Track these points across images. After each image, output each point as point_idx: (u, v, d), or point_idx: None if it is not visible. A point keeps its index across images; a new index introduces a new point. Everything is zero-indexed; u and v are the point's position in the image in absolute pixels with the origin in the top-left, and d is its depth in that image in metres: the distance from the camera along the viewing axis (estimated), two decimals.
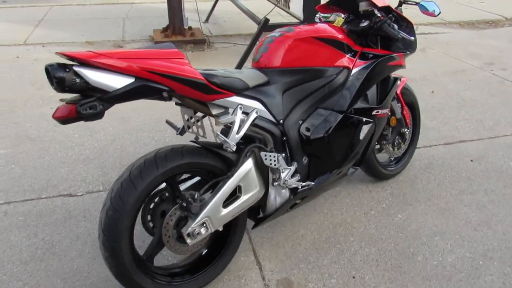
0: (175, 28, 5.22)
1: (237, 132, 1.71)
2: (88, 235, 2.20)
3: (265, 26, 4.19)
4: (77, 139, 3.11)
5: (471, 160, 2.92)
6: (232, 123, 1.70)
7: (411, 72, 4.55)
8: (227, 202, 1.77)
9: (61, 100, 1.48)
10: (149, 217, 1.76)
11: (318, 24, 2.06)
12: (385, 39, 2.18)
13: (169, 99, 1.60)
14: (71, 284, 1.91)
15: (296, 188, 1.98)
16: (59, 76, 1.34)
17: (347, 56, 2.02)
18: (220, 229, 1.82)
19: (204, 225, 1.71)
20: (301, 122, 1.94)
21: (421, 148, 3.05)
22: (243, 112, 1.74)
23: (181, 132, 1.92)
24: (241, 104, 1.73)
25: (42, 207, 2.41)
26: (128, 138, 3.12)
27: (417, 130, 2.76)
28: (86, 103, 1.40)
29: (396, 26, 2.14)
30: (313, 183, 2.00)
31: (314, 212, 2.40)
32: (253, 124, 1.78)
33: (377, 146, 2.53)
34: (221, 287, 1.92)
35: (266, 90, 1.84)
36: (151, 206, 1.77)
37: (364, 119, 2.08)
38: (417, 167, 2.84)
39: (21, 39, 5.39)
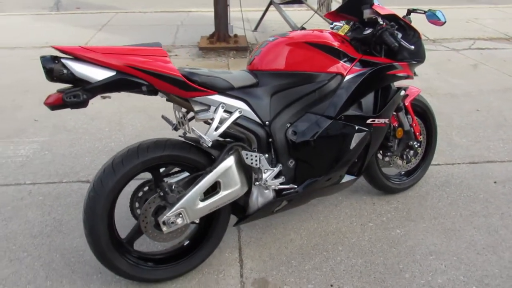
0: (220, 35, 5.42)
1: (216, 129, 1.78)
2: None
3: None
4: (106, 133, 3.35)
5: (495, 182, 2.73)
6: (212, 120, 1.77)
7: (455, 87, 4.36)
8: (207, 196, 1.85)
9: (58, 90, 1.65)
10: (136, 204, 1.89)
11: (315, 30, 2.08)
12: (389, 47, 2.14)
13: (154, 93, 1.72)
14: (66, 260, 2.08)
15: (281, 191, 2.00)
16: (49, 67, 1.51)
17: (342, 62, 2.01)
18: (197, 221, 1.90)
19: (180, 215, 1.80)
20: (288, 125, 1.96)
21: (441, 165, 2.92)
22: (226, 111, 1.81)
23: (176, 128, 2.03)
24: (223, 103, 1.80)
25: (61, 190, 2.64)
26: (152, 134, 3.31)
27: (432, 145, 2.65)
28: (71, 92, 1.55)
29: (400, 35, 2.10)
30: (298, 187, 2.01)
31: (310, 218, 2.40)
32: (235, 123, 1.84)
33: (386, 158, 2.47)
34: (199, 279, 1.98)
35: (253, 91, 1.90)
36: (140, 194, 1.90)
37: (357, 127, 2.05)
38: (431, 183, 2.72)
39: (82, 42, 5.88)
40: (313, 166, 2.02)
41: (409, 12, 2.29)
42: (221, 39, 5.42)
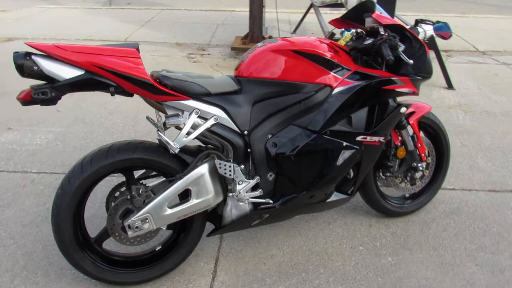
0: (254, 36, 5.37)
1: (186, 136, 1.72)
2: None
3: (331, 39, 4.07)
4: (120, 128, 3.41)
5: None
6: (180, 126, 1.72)
7: (494, 105, 4.02)
8: (177, 203, 1.80)
9: (30, 86, 1.67)
10: (112, 204, 1.88)
11: (307, 37, 1.95)
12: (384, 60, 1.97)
13: (129, 95, 1.69)
14: (47, 252, 2.11)
15: (258, 204, 1.91)
16: (20, 63, 1.53)
17: (332, 73, 1.88)
18: (164, 228, 1.85)
19: (146, 220, 1.76)
20: (270, 136, 1.86)
21: (456, 190, 2.68)
22: (201, 118, 1.75)
23: (159, 130, 1.99)
24: (197, 109, 1.74)
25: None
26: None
27: (442, 168, 2.43)
28: (39, 89, 1.56)
29: (402, 47, 1.93)
30: (276, 202, 1.91)
31: (298, 234, 2.28)
32: (209, 131, 1.77)
33: (385, 178, 2.30)
34: (167, 286, 1.94)
35: (232, 98, 1.82)
36: (116, 194, 1.88)
37: (345, 143, 1.91)
38: (440, 209, 2.49)
39: (123, 36, 6.07)
40: (293, 182, 1.90)
41: (417, 23, 2.11)
42: (254, 40, 5.37)
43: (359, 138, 1.94)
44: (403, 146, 2.21)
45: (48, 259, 2.07)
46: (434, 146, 2.39)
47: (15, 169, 2.81)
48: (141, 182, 1.90)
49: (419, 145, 2.24)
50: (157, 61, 5.01)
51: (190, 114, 1.73)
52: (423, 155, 2.26)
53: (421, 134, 2.35)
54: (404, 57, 1.86)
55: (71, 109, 3.70)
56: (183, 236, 1.94)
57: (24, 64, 1.53)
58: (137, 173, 1.94)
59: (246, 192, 1.86)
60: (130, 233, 1.76)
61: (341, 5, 6.10)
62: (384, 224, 2.36)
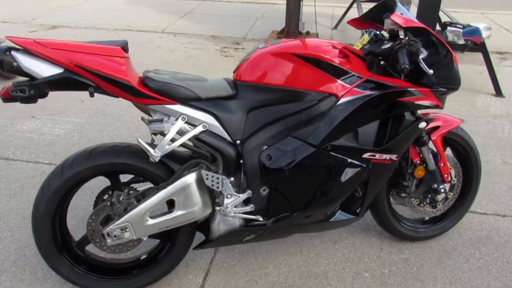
0: (290, 31, 5.16)
1: (170, 143, 1.59)
2: (84, 208, 2.36)
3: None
4: (137, 122, 3.35)
5: None
6: (164, 133, 1.59)
7: None
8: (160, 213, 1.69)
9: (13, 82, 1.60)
10: None
11: (314, 39, 1.75)
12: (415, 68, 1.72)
13: (114, 95, 1.59)
14: None
15: (250, 220, 1.75)
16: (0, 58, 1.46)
17: (339, 81, 1.67)
18: (145, 238, 1.74)
19: (126, 230, 1.66)
20: (265, 147, 1.69)
21: (488, 215, 2.38)
22: (189, 124, 1.62)
23: None
24: (184, 115, 1.60)
25: None
26: None
27: (470, 191, 2.15)
28: (18, 86, 1.48)
29: (424, 54, 1.68)
30: (268, 220, 1.75)
31: (299, 252, 2.10)
32: (197, 139, 1.63)
33: (400, 199, 2.06)
34: None
35: (226, 104, 1.67)
36: (105, 197, 1.80)
37: (349, 160, 1.70)
38: (465, 236, 2.22)
39: (161, 27, 6.05)
40: (287, 199, 1.73)
41: (445, 26, 1.85)
42: (290, 35, 5.16)
43: (366, 155, 1.72)
44: (423, 165, 1.96)
45: (38, 256, 1.99)
46: (462, 166, 2.12)
47: (28, 159, 2.83)
48: (131, 186, 1.80)
49: (442, 164, 1.98)
50: (189, 54, 4.94)
51: (176, 120, 1.60)
52: (446, 176, 2.00)
53: (447, 152, 2.08)
54: (423, 65, 1.62)
55: (94, 100, 3.68)
56: (169, 246, 1.83)
57: (3, 60, 1.46)
58: (128, 177, 1.85)
59: (235, 207, 1.71)
60: (109, 241, 1.67)
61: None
62: (397, 249, 2.13)
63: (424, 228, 2.14)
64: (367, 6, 5.80)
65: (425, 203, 2.06)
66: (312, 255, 2.08)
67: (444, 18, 4.60)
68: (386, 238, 2.19)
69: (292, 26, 5.15)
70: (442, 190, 2.01)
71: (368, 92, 1.67)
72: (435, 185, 1.99)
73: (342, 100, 1.67)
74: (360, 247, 2.14)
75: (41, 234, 1.67)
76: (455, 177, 2.10)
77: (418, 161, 1.96)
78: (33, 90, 1.49)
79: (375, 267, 2.02)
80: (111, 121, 3.37)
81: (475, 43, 1.83)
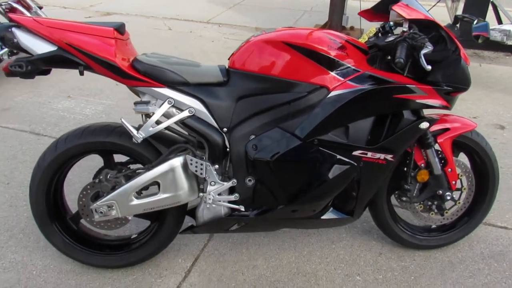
0: (332, 25, 5.02)
1: (154, 126, 1.61)
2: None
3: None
4: None
5: None
6: (149, 115, 1.61)
7: None
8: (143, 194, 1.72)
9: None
10: None
11: (310, 28, 1.67)
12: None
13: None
14: None
15: (234, 210, 1.74)
16: (1, 35, 1.55)
17: (332, 73, 1.59)
18: (130, 218, 1.78)
19: (113, 207, 1.70)
20: (252, 137, 1.66)
21: (508, 230, 2.18)
22: (176, 108, 1.63)
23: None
24: (171, 98, 1.61)
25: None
26: None
27: (484, 202, 1.98)
28: (17, 62, 1.57)
29: (429, 48, 1.55)
30: (250, 212, 1.72)
31: (292, 248, 2.05)
32: (183, 123, 1.64)
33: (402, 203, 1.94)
34: (137, 276, 1.88)
35: (215, 90, 1.65)
36: (101, 177, 1.86)
37: (338, 157, 1.63)
38: (477, 250, 2.05)
39: (207, 17, 6.15)
40: (271, 191, 1.69)
41: (457, 20, 1.69)
42: (332, 29, 5.01)
43: (356, 152, 1.63)
44: (428, 169, 1.83)
45: None
46: (476, 173, 1.95)
47: (56, 135, 2.99)
48: (128, 167, 1.85)
49: (450, 170, 1.84)
50: (228, 44, 4.97)
51: (162, 103, 1.61)
52: (453, 182, 1.85)
53: (459, 157, 1.93)
54: (422, 61, 1.50)
55: None
56: (156, 228, 1.86)
57: (5, 36, 1.55)
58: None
59: (219, 194, 1.70)
60: (96, 217, 1.73)
61: None
62: (397, 256, 2.01)
63: (427, 237, 2.01)
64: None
65: (430, 210, 1.92)
66: (305, 253, 2.03)
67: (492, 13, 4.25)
68: (388, 243, 2.07)
69: (335, 20, 5.02)
70: (448, 198, 1.86)
71: (362, 86, 1.58)
72: (440, 191, 1.85)
73: (332, 93, 1.59)
74: (358, 250, 2.05)
75: (36, 204, 1.77)
76: (466, 185, 1.94)
77: (422, 164, 1.83)
78: (30, 66, 1.56)
79: (370, 271, 1.93)
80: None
81: (485, 38, 1.66)
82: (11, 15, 1.56)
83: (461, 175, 1.91)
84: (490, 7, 4.87)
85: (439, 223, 2.00)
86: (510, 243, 2.10)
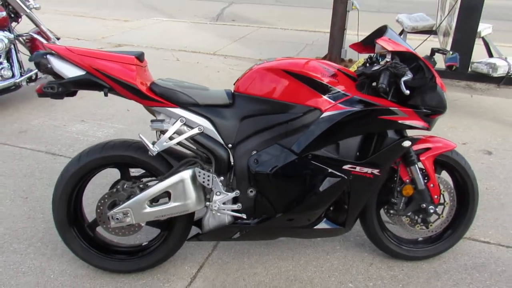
0: (331, 57, 5.32)
1: (167, 141, 1.83)
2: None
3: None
4: None
5: None
6: (164, 131, 1.83)
7: None
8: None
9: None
10: None
11: (307, 58, 1.91)
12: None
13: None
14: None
15: (237, 218, 1.93)
16: (38, 60, 1.80)
17: (324, 97, 1.82)
18: (143, 224, 1.97)
19: (128, 214, 1.90)
20: (254, 152, 1.87)
21: (491, 244, 2.34)
22: (187, 126, 1.85)
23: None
24: (183, 117, 1.84)
25: (102, 172, 3.01)
26: None
27: (466, 216, 2.15)
28: (49, 84, 1.81)
29: (409, 76, 1.78)
30: (252, 220, 1.91)
31: (290, 258, 2.22)
32: (193, 139, 1.85)
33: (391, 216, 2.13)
34: (147, 281, 2.05)
35: (222, 111, 1.88)
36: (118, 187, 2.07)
37: (330, 170, 1.83)
38: (460, 262, 2.21)
39: (214, 49, 6.48)
40: (270, 202, 1.88)
41: (433, 52, 1.93)
42: (332, 61, 5.31)
43: (346, 166, 1.84)
44: (412, 184, 2.03)
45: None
46: (458, 190, 2.14)
47: (71, 155, 3.21)
48: (141, 180, 2.05)
49: (432, 185, 2.03)
50: (233, 74, 5.25)
51: (175, 121, 1.83)
52: (435, 197, 2.04)
53: (442, 175, 2.13)
54: (402, 86, 1.73)
55: (138, 109, 4.06)
56: (165, 236, 2.04)
57: (40, 62, 1.79)
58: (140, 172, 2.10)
59: (223, 203, 1.89)
60: (112, 223, 1.92)
61: (434, 32, 5.74)
62: (387, 266, 2.18)
63: (415, 248, 2.17)
64: (412, 37, 5.85)
65: (416, 223, 2.10)
66: (302, 262, 2.19)
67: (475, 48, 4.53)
68: (379, 255, 2.24)
69: (334, 53, 5.32)
70: (431, 211, 2.05)
71: (351, 108, 1.81)
72: (424, 205, 2.04)
73: (325, 114, 1.81)
74: (351, 260, 2.21)
75: (58, 212, 1.96)
76: (449, 200, 2.12)
77: (407, 180, 2.03)
78: (61, 87, 1.80)
79: (361, 279, 2.09)
80: (150, 129, 3.70)
81: (454, 67, 1.89)
82: (46, 44, 1.82)
83: (444, 191, 2.10)
84: (481, 42, 5.21)
85: (425, 235, 2.17)
86: (492, 256, 2.26)
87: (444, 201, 2.12)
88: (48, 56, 1.78)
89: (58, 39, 4.55)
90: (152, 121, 1.86)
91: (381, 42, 1.82)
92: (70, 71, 1.78)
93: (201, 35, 7.51)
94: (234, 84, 1.99)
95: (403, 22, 5.57)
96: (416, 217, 2.10)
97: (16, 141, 3.43)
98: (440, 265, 2.18)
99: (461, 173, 2.09)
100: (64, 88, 1.80)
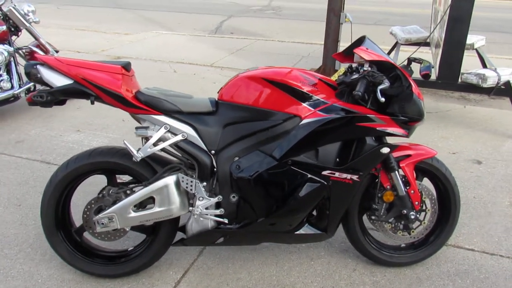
0: (326, 69, 5.39)
1: (151, 147, 1.88)
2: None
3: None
4: None
5: None
6: (148, 138, 1.89)
7: None
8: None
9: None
10: None
11: (288, 68, 1.97)
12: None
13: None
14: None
15: (219, 223, 1.97)
16: (28, 70, 1.86)
17: (304, 104, 1.88)
18: (128, 229, 2.01)
19: (113, 219, 1.94)
20: (236, 158, 1.92)
21: (475, 251, 2.37)
22: (171, 133, 1.90)
23: None
24: (167, 124, 1.89)
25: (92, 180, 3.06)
26: None
27: (448, 223, 2.19)
28: (39, 93, 1.87)
29: (386, 84, 1.83)
30: (234, 225, 1.95)
31: (274, 264, 2.25)
32: (177, 146, 1.91)
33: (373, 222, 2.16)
34: (132, 285, 2.09)
35: (205, 118, 1.93)
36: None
37: (309, 176, 1.88)
38: (443, 268, 2.23)
39: (210, 61, 6.58)
40: (252, 207, 1.93)
41: (410, 61, 1.99)
42: (326, 73, 5.39)
43: (325, 172, 1.89)
44: (392, 191, 2.07)
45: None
46: (439, 196, 2.18)
47: None
48: (129, 186, 2.09)
49: (412, 191, 2.07)
50: None
51: (160, 128, 1.89)
52: (416, 203, 2.08)
53: (423, 182, 2.17)
54: (378, 94, 1.78)
55: (133, 120, 4.14)
56: (150, 241, 2.08)
57: (31, 72, 1.85)
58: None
59: (206, 208, 1.94)
60: (98, 228, 1.96)
61: (427, 44, 5.82)
62: (370, 271, 2.20)
63: (397, 254, 2.20)
64: (406, 49, 5.93)
65: (398, 229, 2.14)
66: (286, 268, 2.22)
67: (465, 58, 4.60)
68: (362, 261, 2.27)
69: (328, 64, 5.40)
70: (412, 217, 2.08)
71: (329, 116, 1.86)
72: (405, 211, 2.07)
73: (304, 121, 1.87)
74: (334, 266, 2.24)
75: (46, 217, 2.01)
76: (430, 206, 2.16)
77: (388, 186, 2.07)
78: (50, 96, 1.86)
79: (343, 285, 2.11)
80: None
81: (427, 75, 1.95)
82: (36, 55, 1.90)
83: (425, 198, 2.14)
84: (473, 53, 5.28)
85: (407, 241, 2.20)
86: (475, 263, 2.28)
87: (426, 207, 2.15)
88: (38, 66, 1.85)
89: (56, 51, 4.66)
90: (136, 128, 1.92)
91: (358, 52, 1.88)
92: (58, 81, 1.85)
93: (199, 47, 7.62)
94: (218, 92, 2.05)
95: (397, 34, 5.65)
96: (398, 223, 2.13)
97: (13, 151, 3.50)
98: (423, 272, 2.21)
99: (442, 180, 2.13)
100: (53, 97, 1.87)
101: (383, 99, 1.77)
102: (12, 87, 4.00)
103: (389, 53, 6.23)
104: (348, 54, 2.13)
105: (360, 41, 2.01)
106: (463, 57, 3.95)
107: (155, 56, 6.85)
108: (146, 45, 7.72)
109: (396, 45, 6.04)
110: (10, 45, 4.10)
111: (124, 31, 9.06)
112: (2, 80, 3.92)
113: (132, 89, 1.92)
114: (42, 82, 1.87)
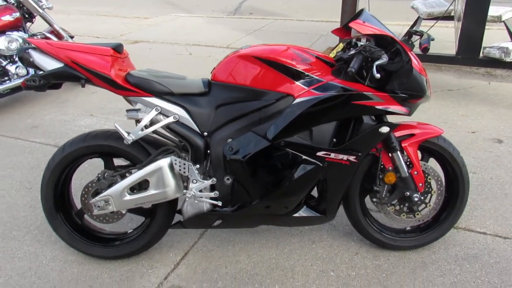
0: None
1: (142, 129, 1.86)
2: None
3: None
4: None
5: None
6: (139, 120, 1.86)
7: None
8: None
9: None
10: None
11: (280, 44, 1.89)
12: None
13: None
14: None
15: (215, 206, 1.94)
16: (21, 55, 1.87)
17: (297, 83, 1.80)
18: (124, 212, 2.01)
19: (109, 202, 1.95)
20: (229, 140, 1.88)
21: (486, 235, 2.26)
22: (162, 115, 1.87)
23: None
24: (158, 106, 1.86)
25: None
26: None
27: (455, 205, 2.08)
28: (31, 77, 1.87)
29: (384, 59, 1.73)
30: (228, 207, 1.92)
31: (274, 246, 2.21)
32: (168, 128, 1.88)
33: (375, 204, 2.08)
34: (131, 267, 2.10)
35: (197, 100, 1.89)
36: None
37: (304, 157, 1.81)
38: (451, 252, 2.14)
39: (227, 43, 6.50)
40: (246, 189, 1.88)
41: (411, 34, 1.86)
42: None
43: (320, 153, 1.82)
44: (395, 172, 1.98)
45: None
46: (447, 177, 2.07)
47: None
48: (128, 169, 2.09)
49: (415, 172, 1.97)
50: None
51: (151, 110, 1.86)
52: (420, 184, 1.98)
53: (429, 162, 2.06)
54: (374, 70, 1.68)
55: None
56: (148, 223, 2.08)
57: (23, 56, 1.85)
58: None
59: (200, 191, 1.91)
60: (95, 211, 1.97)
61: (450, 18, 5.53)
62: (373, 255, 2.14)
63: (401, 238, 2.12)
64: (429, 24, 5.66)
65: (402, 212, 2.05)
66: (286, 250, 2.18)
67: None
68: (366, 245, 2.20)
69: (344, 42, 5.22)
70: (416, 199, 1.99)
71: (323, 94, 1.78)
72: (408, 193, 1.98)
73: (297, 100, 1.79)
74: (336, 249, 2.19)
75: (45, 199, 2.03)
76: (436, 188, 2.06)
77: (390, 167, 1.98)
78: (42, 80, 1.86)
79: (344, 268, 2.06)
80: None
81: (426, 49, 1.82)
82: (29, 39, 1.88)
83: (430, 179, 2.04)
84: (502, 26, 4.98)
85: (412, 224, 2.11)
86: (486, 247, 2.17)
87: (431, 189, 2.05)
88: (30, 51, 1.85)
89: (71, 37, 4.70)
90: (127, 110, 1.90)
91: (354, 26, 1.78)
92: (49, 64, 1.84)
93: (216, 29, 7.55)
94: (211, 73, 2.00)
95: (418, 9, 5.39)
96: (402, 206, 2.04)
97: (28, 136, 3.58)
98: (429, 256, 2.12)
99: (450, 160, 2.02)
100: (45, 81, 1.87)
101: (378, 75, 1.67)
102: (28, 73, 4.07)
103: (411, 27, 5.98)
104: (348, 29, 2.03)
105: (358, 15, 1.90)
106: (484, 30, 3.72)
107: (172, 39, 6.84)
108: (164, 29, 7.71)
109: (418, 20, 5.78)
110: (24, 32, 4.17)
111: (144, 15, 9.08)
112: (18, 66, 3.99)
113: (123, 71, 1.90)
114: (35, 66, 1.87)
